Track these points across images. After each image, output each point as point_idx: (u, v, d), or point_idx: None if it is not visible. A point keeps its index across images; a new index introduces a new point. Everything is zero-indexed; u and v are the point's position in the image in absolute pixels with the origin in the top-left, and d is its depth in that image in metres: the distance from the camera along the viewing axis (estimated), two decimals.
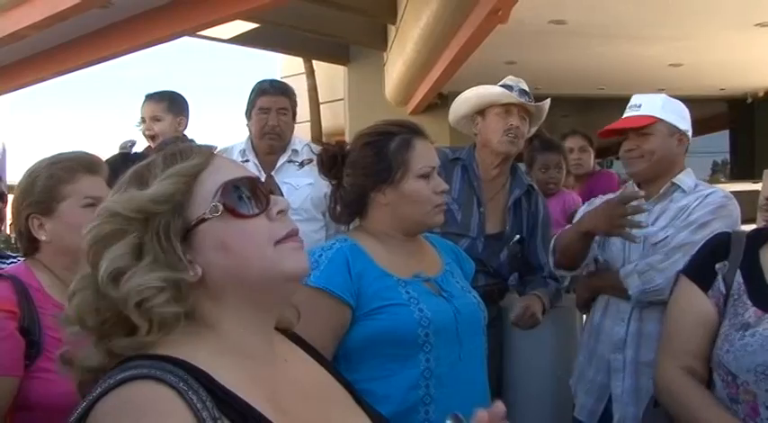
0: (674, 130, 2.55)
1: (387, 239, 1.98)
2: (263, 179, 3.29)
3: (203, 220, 1.07)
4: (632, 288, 2.43)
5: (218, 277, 1.08)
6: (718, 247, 1.82)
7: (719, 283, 1.76)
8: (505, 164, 3.06)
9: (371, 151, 1.97)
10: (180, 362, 1.00)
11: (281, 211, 1.12)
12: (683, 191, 2.55)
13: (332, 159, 2.04)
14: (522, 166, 3.34)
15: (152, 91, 4.00)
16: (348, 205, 2.04)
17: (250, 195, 1.11)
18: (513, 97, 2.96)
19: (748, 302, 1.70)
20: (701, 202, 2.48)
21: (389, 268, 1.92)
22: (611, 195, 2.69)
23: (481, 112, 3.05)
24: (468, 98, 3.11)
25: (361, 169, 1.98)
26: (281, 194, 1.23)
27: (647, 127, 2.52)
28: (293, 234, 1.13)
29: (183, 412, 0.95)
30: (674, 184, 2.56)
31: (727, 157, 18.52)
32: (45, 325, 1.82)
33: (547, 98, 3.17)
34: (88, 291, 1.06)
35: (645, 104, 2.57)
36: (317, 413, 1.15)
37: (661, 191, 2.56)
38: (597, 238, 2.58)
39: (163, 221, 1.05)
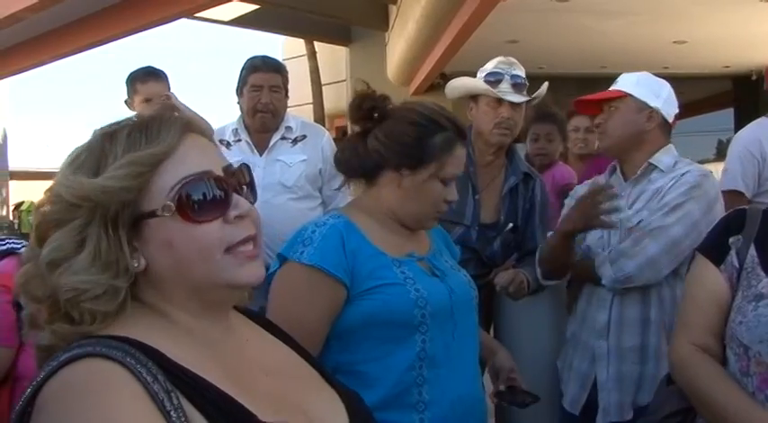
0: (643, 107, 2.50)
1: (381, 218, 1.93)
2: (251, 160, 3.23)
3: (154, 215, 1.03)
4: (605, 278, 2.40)
5: (160, 272, 1.06)
6: (733, 221, 1.78)
7: (733, 258, 1.71)
8: (501, 151, 2.99)
9: (414, 133, 1.89)
10: (127, 339, 0.98)
11: (239, 217, 1.08)
12: (662, 171, 2.49)
13: (368, 111, 1.95)
14: (521, 148, 3.26)
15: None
16: (362, 165, 1.96)
17: (209, 194, 1.06)
18: (500, 94, 2.88)
19: (762, 274, 1.66)
20: (676, 182, 2.42)
21: (383, 247, 1.86)
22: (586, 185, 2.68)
23: (474, 97, 2.98)
24: (457, 87, 3.05)
25: (395, 143, 1.90)
26: (252, 186, 1.14)
27: (615, 100, 2.49)
28: (249, 239, 1.08)
29: (132, 385, 0.93)
30: (650, 164, 2.50)
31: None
32: None
33: (549, 77, 3.10)
34: (34, 264, 1.04)
35: (621, 80, 2.55)
36: (275, 388, 1.13)
37: (639, 172, 2.51)
38: None
39: (112, 210, 1.02)
